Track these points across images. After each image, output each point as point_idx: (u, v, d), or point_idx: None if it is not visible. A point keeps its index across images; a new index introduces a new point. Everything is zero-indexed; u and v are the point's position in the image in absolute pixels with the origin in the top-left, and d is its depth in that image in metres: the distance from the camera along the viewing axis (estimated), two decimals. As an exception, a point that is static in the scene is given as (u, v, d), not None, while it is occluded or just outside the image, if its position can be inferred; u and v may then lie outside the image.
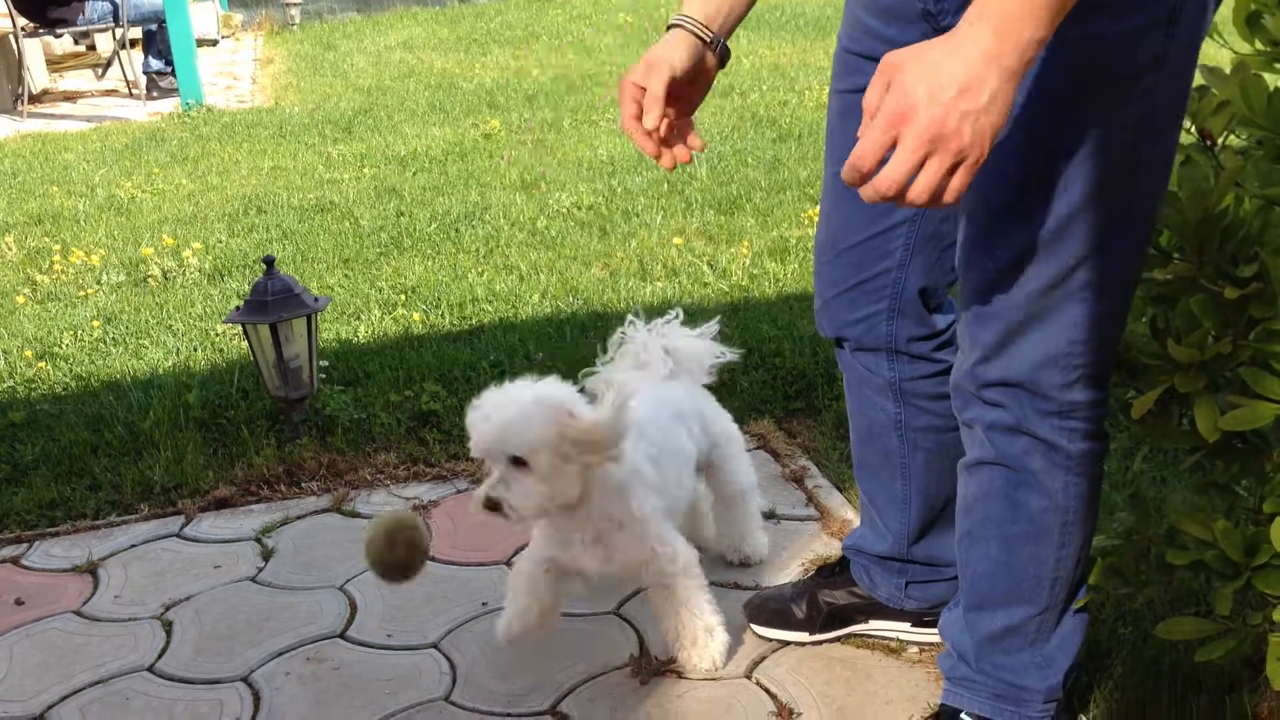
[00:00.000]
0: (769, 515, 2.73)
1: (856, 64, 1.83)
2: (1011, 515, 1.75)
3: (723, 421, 2.50)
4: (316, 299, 3.14)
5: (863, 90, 1.82)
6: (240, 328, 3.18)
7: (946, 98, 1.24)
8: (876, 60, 1.77)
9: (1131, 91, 1.48)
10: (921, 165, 1.26)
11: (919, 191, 1.27)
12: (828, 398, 3.22)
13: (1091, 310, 1.59)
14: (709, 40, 1.69)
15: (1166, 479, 2.64)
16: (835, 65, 1.90)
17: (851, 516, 2.68)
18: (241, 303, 3.12)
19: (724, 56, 1.73)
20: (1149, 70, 1.47)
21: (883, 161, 1.28)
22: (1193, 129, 1.66)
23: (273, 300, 3.05)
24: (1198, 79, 1.61)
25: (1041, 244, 1.56)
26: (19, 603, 2.54)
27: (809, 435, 3.11)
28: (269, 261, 3.11)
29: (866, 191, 1.29)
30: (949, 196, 1.29)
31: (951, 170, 1.27)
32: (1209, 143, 1.67)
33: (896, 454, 2.11)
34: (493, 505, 1.99)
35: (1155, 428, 1.76)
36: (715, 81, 1.75)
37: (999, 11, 1.24)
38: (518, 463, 1.97)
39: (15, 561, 2.71)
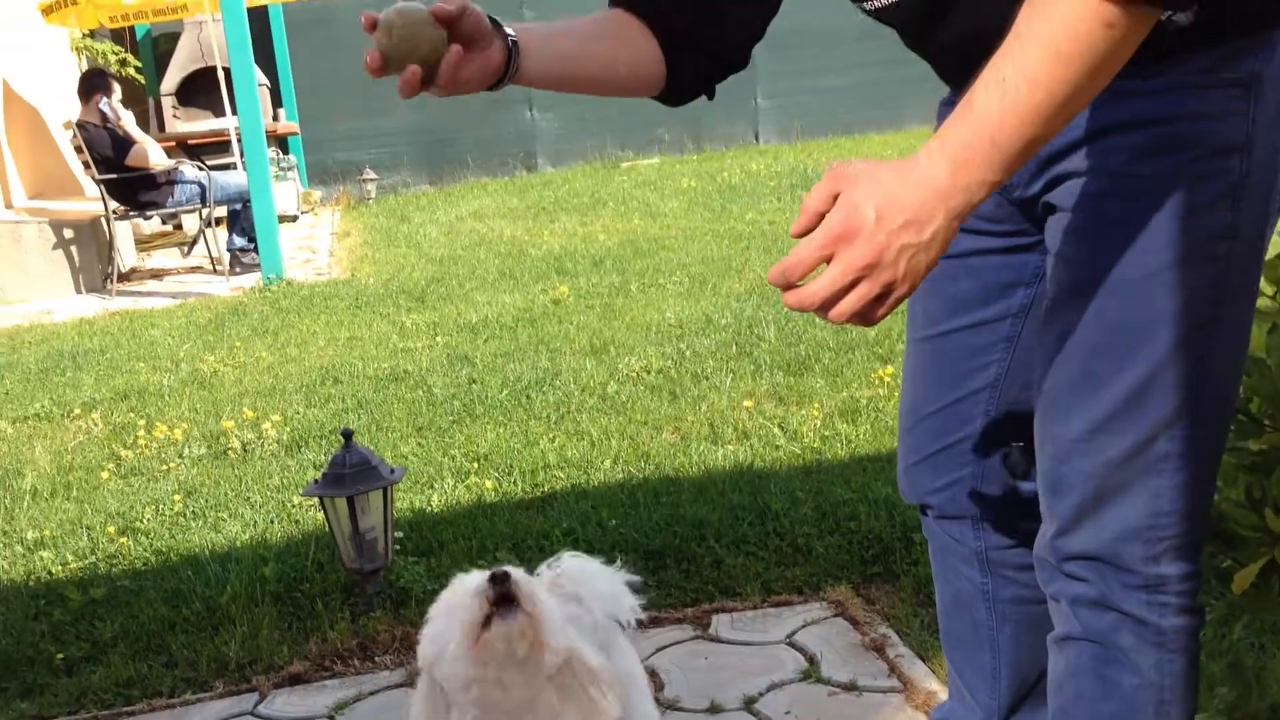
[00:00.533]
0: (849, 687, 2.65)
1: None
2: (1104, 693, 1.68)
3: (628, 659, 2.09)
4: (393, 470, 3.18)
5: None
6: (317, 499, 3.22)
7: (892, 227, 1.25)
8: None
9: (1203, 257, 1.48)
10: (851, 287, 1.27)
11: (840, 314, 1.28)
12: (906, 562, 3.15)
13: (1175, 481, 1.55)
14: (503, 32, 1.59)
15: (1265, 645, 2.53)
16: None
17: (936, 687, 2.59)
18: (319, 475, 3.16)
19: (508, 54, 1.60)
20: (1221, 238, 1.47)
21: None
22: (1277, 297, 1.65)
23: (350, 473, 3.09)
24: (1277, 246, 1.60)
25: (1117, 412, 1.53)
26: (94, 785, 2.53)
27: (888, 602, 3.04)
28: (347, 435, 3.16)
29: (789, 299, 1.29)
30: (868, 323, 1.30)
31: (878, 299, 1.28)
32: (1293, 309, 1.66)
33: (985, 625, 2.05)
34: None
35: (1256, 599, 1.70)
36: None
37: (958, 148, 1.25)
38: None
39: (92, 742, 2.71)
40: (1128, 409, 1.53)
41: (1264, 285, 1.59)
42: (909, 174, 1.26)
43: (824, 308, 1.28)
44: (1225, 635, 2.49)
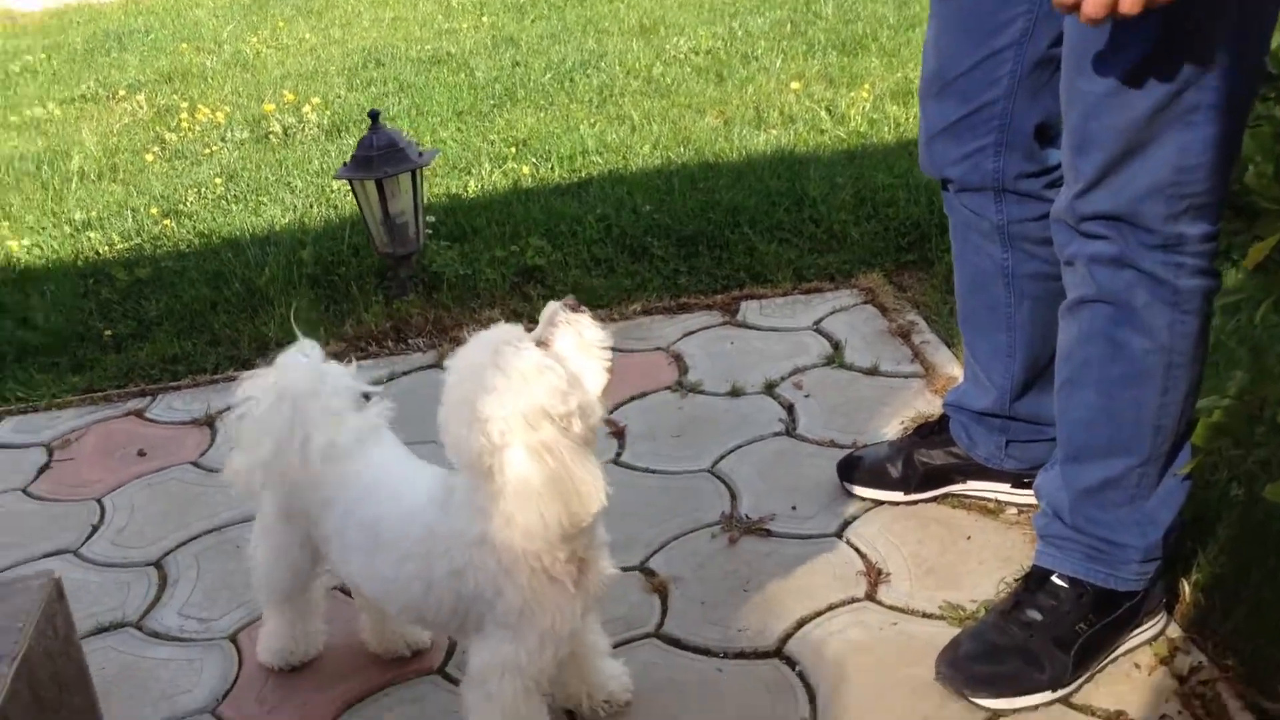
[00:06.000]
0: (871, 371, 2.66)
1: None
2: (1112, 355, 1.66)
3: None
4: (421, 153, 3.13)
5: None
6: (349, 184, 3.20)
7: None
8: None
9: None
10: None
11: (1128, 4, 1.32)
12: (941, 249, 3.10)
13: (1202, 134, 1.48)
14: None
15: (1296, 335, 2.48)
16: None
17: (958, 373, 2.59)
18: (349, 159, 3.13)
19: None
20: None
21: None
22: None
23: (378, 155, 3.06)
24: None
25: (1146, 63, 1.45)
26: (141, 454, 2.66)
27: (920, 289, 3.01)
28: (374, 116, 3.11)
29: (1083, 13, 1.35)
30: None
31: None
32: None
33: (1002, 304, 2.03)
34: None
35: (1276, 277, 1.64)
36: None
37: None
38: None
39: (139, 414, 2.84)
40: (1157, 59, 1.44)
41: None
42: None
43: (1113, 6, 1.33)
44: (1251, 320, 2.44)
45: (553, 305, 1.53)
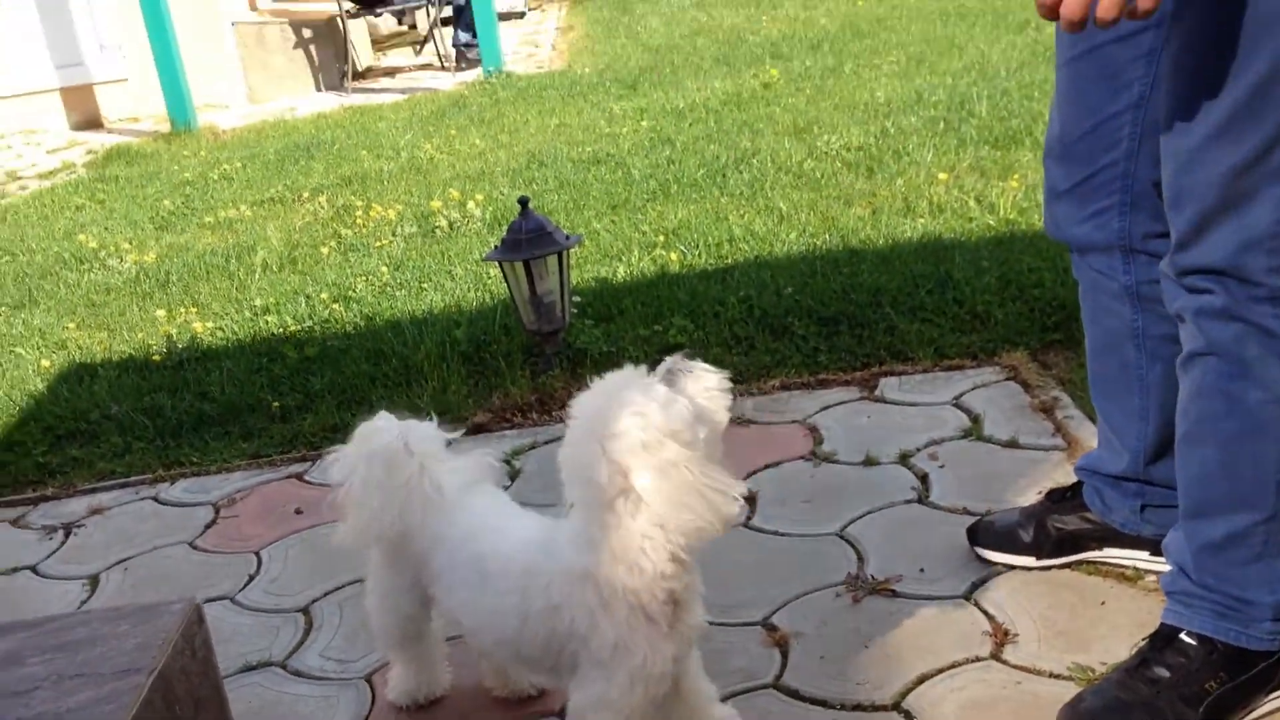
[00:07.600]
0: (1010, 444, 2.63)
1: None
2: (1228, 410, 1.62)
3: None
4: (568, 237, 3.27)
5: None
6: (499, 266, 3.35)
7: None
8: None
9: None
10: None
11: (1104, 9, 1.33)
12: (1087, 327, 3.05)
13: None
14: None
15: None
16: None
17: (1098, 446, 2.54)
18: (498, 243, 3.29)
19: None
20: None
21: None
22: None
23: (526, 239, 3.20)
24: None
25: (1238, 115, 1.45)
26: (298, 512, 2.81)
27: (1065, 367, 2.97)
28: (524, 203, 3.26)
29: (1063, 23, 1.37)
30: (1144, 4, 1.33)
31: None
32: None
33: (1134, 366, 2.00)
34: None
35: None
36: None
37: None
38: None
39: (299, 477, 3.00)
40: (1249, 111, 1.44)
41: None
42: None
43: (1088, 14, 1.35)
44: None
45: (669, 359, 1.61)
